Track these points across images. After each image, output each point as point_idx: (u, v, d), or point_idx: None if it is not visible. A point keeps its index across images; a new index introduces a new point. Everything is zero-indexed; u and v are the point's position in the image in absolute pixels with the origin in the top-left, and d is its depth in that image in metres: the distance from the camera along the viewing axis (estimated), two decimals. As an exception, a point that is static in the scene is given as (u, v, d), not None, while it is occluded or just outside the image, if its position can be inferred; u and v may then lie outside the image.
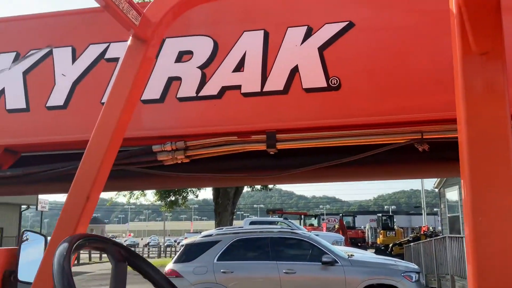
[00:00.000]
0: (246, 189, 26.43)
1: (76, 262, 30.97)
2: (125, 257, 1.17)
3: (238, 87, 1.91)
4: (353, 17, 1.88)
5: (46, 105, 2.05)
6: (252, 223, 19.79)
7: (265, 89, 1.89)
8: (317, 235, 16.13)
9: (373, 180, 2.55)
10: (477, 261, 0.98)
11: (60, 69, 2.06)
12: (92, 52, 2.04)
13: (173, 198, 23.24)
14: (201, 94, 1.94)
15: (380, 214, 39.77)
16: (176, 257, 10.32)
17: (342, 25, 1.87)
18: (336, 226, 32.28)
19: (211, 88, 1.93)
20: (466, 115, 1.06)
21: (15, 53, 2.13)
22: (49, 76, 2.07)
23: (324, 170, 2.05)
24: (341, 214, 39.81)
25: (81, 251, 35.64)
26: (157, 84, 1.97)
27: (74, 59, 2.06)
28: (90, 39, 2.05)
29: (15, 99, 2.08)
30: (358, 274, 9.31)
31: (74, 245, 0.98)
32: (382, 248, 28.61)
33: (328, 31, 1.87)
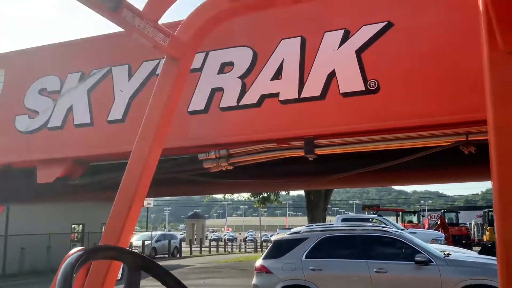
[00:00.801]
0: (339, 184, 26.04)
1: (178, 255, 32.78)
2: (139, 265, 1.25)
3: (277, 94, 1.95)
4: (391, 17, 1.81)
5: (107, 120, 2.25)
6: (344, 220, 19.48)
7: (302, 96, 1.90)
8: (414, 232, 15.45)
9: (416, 184, 2.43)
10: (506, 265, 0.98)
11: (118, 86, 2.25)
12: (145, 69, 2.20)
13: (265, 195, 23.66)
14: (241, 103, 2.01)
15: (486, 210, 36.95)
16: (265, 253, 10.51)
17: (380, 26, 1.81)
18: (438, 223, 30.58)
19: (250, 97, 1.99)
20: (494, 116, 1.02)
21: (80, 73, 2.37)
22: (109, 92, 2.27)
23: (365, 175, 2.01)
24: (442, 210, 37.57)
25: (183, 245, 37.25)
26: (201, 95, 2.07)
27: (130, 76, 2.23)
28: (143, 56, 2.21)
29: (81, 114, 2.31)
30: (454, 274, 8.78)
31: (83, 258, 1.07)
32: (489, 246, 26.58)
33: (366, 33, 1.83)
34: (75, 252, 1.10)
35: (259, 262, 9.98)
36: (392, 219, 27.97)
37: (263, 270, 9.71)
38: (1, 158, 2.49)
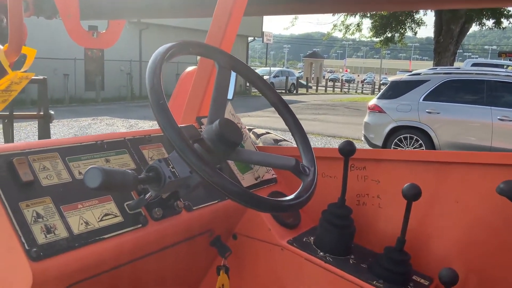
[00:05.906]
0: (475, 28, 23.31)
1: (295, 92, 33.80)
2: (230, 65, 1.24)
3: None
4: None
5: None
6: (474, 65, 17.86)
7: None
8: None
9: None
10: None
11: None
12: None
13: (389, 35, 22.25)
14: None
15: None
16: (380, 93, 10.31)
17: None
18: None
19: None
20: None
21: None
22: None
23: None
24: None
25: (310, 84, 38.10)
26: None
27: None
28: None
29: None
30: None
31: (172, 49, 1.07)
32: None
33: None
34: None
35: (373, 102, 9.88)
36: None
37: (376, 109, 9.62)
38: None
